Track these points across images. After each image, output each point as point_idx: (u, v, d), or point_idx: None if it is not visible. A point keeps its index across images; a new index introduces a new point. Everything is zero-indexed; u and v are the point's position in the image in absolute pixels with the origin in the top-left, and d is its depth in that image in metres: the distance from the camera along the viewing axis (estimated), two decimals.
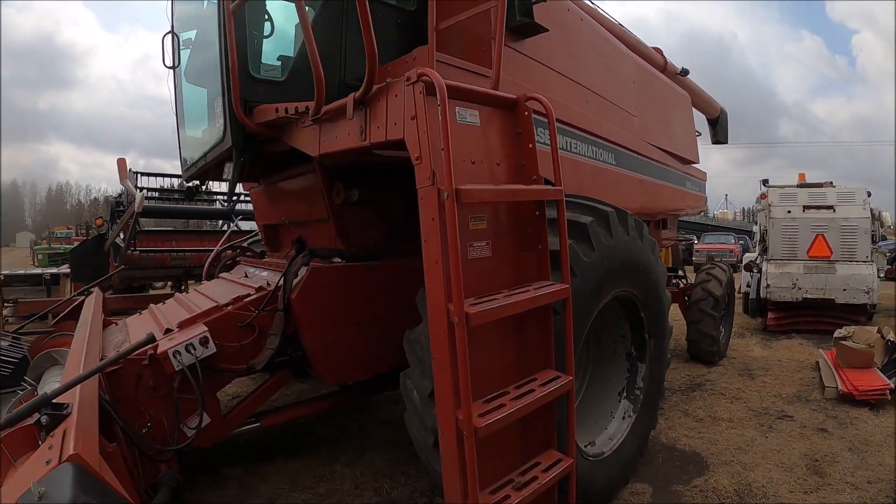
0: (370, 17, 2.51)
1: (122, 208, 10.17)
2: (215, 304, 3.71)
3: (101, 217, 12.20)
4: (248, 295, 3.80)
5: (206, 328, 3.30)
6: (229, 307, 3.67)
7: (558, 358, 2.60)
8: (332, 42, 3.78)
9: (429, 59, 2.97)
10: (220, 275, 5.45)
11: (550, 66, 4.30)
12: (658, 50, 7.45)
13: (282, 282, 3.76)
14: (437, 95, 2.16)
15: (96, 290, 6.27)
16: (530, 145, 2.59)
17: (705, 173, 9.03)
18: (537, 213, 2.58)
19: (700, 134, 8.85)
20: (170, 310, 4.28)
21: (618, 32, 5.99)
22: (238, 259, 5.81)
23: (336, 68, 3.74)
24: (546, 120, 3.93)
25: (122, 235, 9.48)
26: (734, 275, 8.93)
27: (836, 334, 6.89)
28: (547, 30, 3.81)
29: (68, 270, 11.46)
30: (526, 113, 2.61)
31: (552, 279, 2.62)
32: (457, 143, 2.30)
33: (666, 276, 4.12)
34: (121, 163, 9.53)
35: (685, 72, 7.81)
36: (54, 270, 12.47)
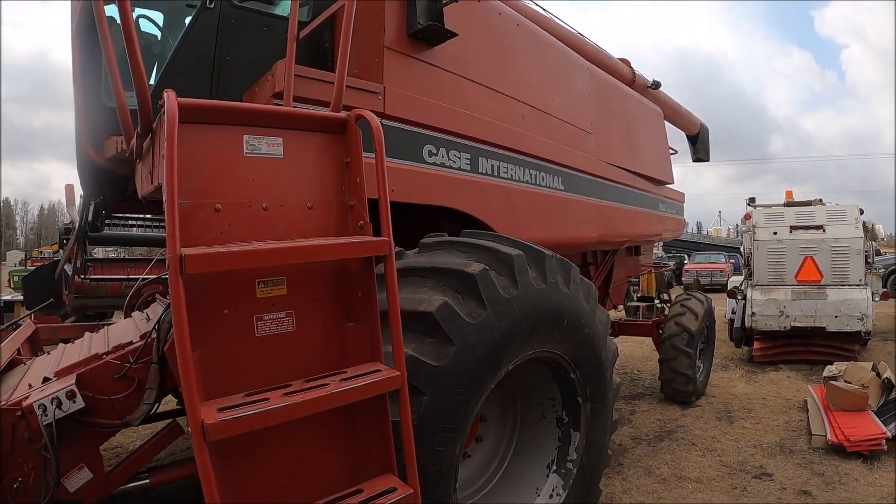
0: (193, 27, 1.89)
1: (69, 235, 9.66)
2: (97, 352, 3.21)
3: (55, 243, 11.67)
4: (131, 343, 3.27)
5: (73, 381, 2.84)
6: (108, 356, 3.15)
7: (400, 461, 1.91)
8: (204, 59, 3.16)
9: (286, 73, 2.31)
10: (133, 313, 4.85)
11: (472, 79, 3.65)
12: (625, 61, 6.83)
13: (154, 333, 3.20)
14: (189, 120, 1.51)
15: (28, 320, 5.71)
16: (358, 179, 1.92)
17: (683, 194, 8.38)
18: (366, 270, 1.91)
19: (676, 152, 8.23)
20: (71, 350, 3.78)
21: (571, 41, 5.36)
22: (156, 295, 5.17)
23: (205, 91, 3.12)
24: (454, 139, 3.36)
25: (70, 263, 8.96)
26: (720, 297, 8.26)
27: (825, 372, 6.18)
28: (455, 34, 3.16)
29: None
30: (355, 137, 1.94)
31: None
32: (237, 183, 1.66)
33: (608, 324, 3.42)
34: (68, 189, 8.96)
35: (657, 84, 7.18)
36: (8, 297, 11.88)
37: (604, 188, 5.35)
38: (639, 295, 11.53)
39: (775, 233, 8.76)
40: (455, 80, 3.53)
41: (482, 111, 3.70)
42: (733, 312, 9.35)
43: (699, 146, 9.11)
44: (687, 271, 23.95)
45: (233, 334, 1.71)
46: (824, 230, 8.71)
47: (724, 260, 25.18)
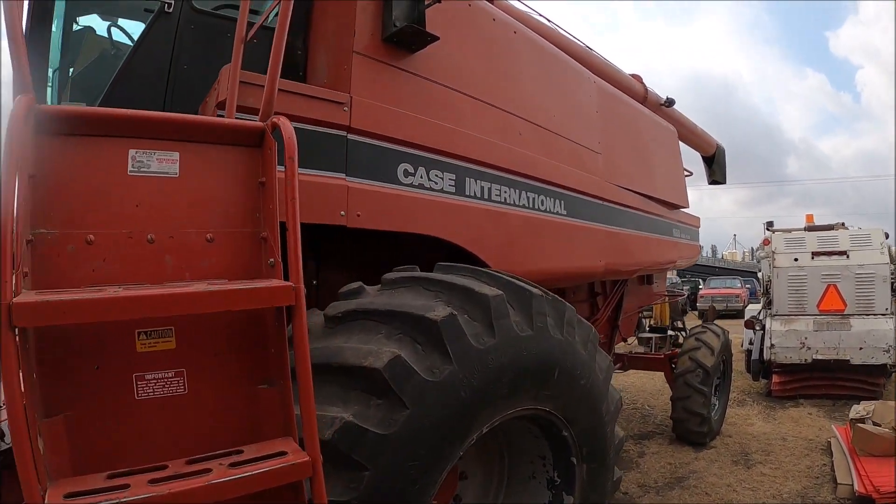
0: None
1: None
2: None
3: None
4: None
5: None
6: None
7: None
8: (159, 68, 2.81)
9: (230, 80, 1.94)
10: None
11: (460, 90, 3.26)
12: (637, 77, 6.43)
13: None
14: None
15: None
16: (271, 206, 1.52)
17: (698, 219, 7.90)
18: (277, 322, 1.50)
19: (691, 174, 7.79)
20: None
21: (577, 53, 4.97)
22: None
23: (158, 102, 2.76)
24: (437, 157, 2.92)
25: None
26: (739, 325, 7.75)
27: (852, 413, 5.65)
28: (436, 38, 2.78)
29: None
30: (270, 151, 1.54)
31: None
32: (117, 208, 1.29)
33: (611, 371, 2.98)
34: None
35: (671, 102, 6.77)
36: None
37: (613, 213, 4.91)
38: (651, 324, 11.00)
39: (796, 259, 8.24)
40: (441, 91, 3.13)
41: (471, 126, 3.28)
42: (751, 343, 8.82)
43: (715, 168, 8.65)
44: (702, 296, 23.32)
45: (106, 395, 1.33)
46: (848, 256, 8.18)
47: (739, 285, 24.51)
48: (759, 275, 9.69)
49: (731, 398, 8.02)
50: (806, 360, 7.76)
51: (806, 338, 7.78)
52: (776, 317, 8.17)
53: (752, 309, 9.49)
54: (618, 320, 6.43)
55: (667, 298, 8.50)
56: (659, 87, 7.73)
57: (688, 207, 6.91)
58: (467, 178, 3.14)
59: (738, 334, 10.31)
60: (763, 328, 8.26)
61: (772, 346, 7.91)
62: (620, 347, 7.11)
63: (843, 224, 8.79)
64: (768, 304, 8.51)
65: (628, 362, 7.14)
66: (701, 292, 24.43)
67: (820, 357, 7.68)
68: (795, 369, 7.96)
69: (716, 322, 13.31)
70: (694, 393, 5.90)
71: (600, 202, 4.70)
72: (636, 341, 8.01)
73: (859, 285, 8.02)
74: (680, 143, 7.84)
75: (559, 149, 4.20)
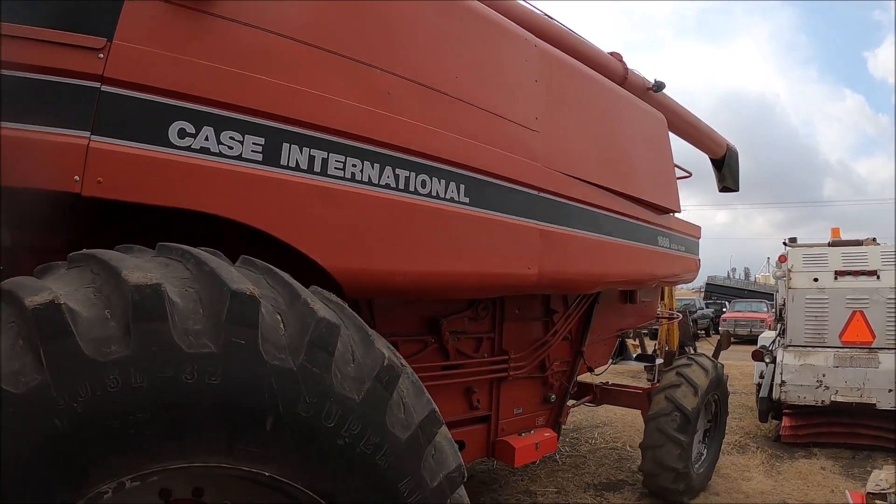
0: None
1: None
2: None
3: None
4: None
5: None
6: None
7: None
8: None
9: None
10: None
11: (291, 36, 2.40)
12: (616, 55, 5.35)
13: None
14: None
15: None
16: None
17: (698, 228, 6.74)
18: None
19: (690, 174, 6.63)
20: None
21: (515, 12, 3.94)
22: None
23: None
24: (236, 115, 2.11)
25: None
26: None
27: (870, 483, 4.41)
28: None
29: None
30: None
31: None
32: None
33: (432, 428, 1.90)
34: None
35: (659, 85, 5.65)
36: None
37: (554, 208, 3.84)
38: (641, 352, 9.74)
39: (816, 279, 6.98)
40: (261, 37, 2.30)
41: (305, 80, 2.39)
42: (761, 377, 7.53)
43: (726, 172, 7.46)
44: (724, 320, 22.19)
45: None
46: (878, 277, 6.89)
47: (766, 309, 23.10)
48: (775, 297, 8.39)
49: (732, 441, 6.82)
50: (822, 401, 6.48)
51: (824, 375, 6.51)
52: (790, 348, 6.91)
53: (766, 337, 8.17)
54: (582, 345, 5.32)
55: (661, 321, 7.30)
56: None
57: (679, 212, 5.76)
58: (284, 144, 2.31)
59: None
60: (774, 361, 6.99)
61: (782, 382, 6.66)
62: (593, 378, 5.96)
63: (873, 239, 7.46)
64: (782, 333, 7.23)
65: (600, 396, 5.98)
66: (724, 315, 23.33)
67: (839, 399, 6.39)
68: (809, 412, 6.70)
69: (733, 348, 11.96)
70: (668, 442, 4.73)
71: (532, 192, 3.64)
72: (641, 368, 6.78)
73: (891, 313, 6.70)
74: (683, 140, 6.77)
75: (463, 119, 3.21)
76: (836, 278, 6.90)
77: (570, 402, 5.72)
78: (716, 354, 12.37)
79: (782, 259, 7.36)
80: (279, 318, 1.58)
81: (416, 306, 4.04)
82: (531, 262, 3.62)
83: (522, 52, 3.74)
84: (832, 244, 7.26)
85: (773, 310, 8.03)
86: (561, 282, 4.01)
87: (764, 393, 7.00)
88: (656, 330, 13.31)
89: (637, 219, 4.94)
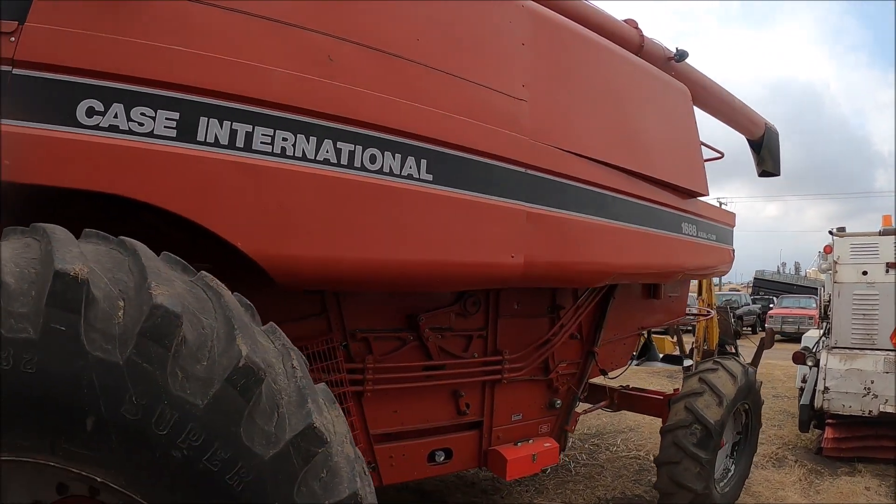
0: None
1: None
2: None
3: None
4: None
5: None
6: None
7: None
8: None
9: None
10: None
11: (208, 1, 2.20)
12: (631, 22, 4.82)
13: None
14: None
15: None
16: None
17: (732, 215, 6.14)
18: None
19: (722, 155, 6.02)
20: None
21: None
22: None
23: None
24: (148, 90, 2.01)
25: None
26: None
27: None
28: None
29: None
30: None
31: None
32: None
33: (328, 455, 1.54)
34: None
35: (682, 55, 5.09)
36: None
37: (548, 188, 3.39)
38: (678, 351, 9.08)
39: (865, 272, 6.29)
40: (177, 6, 2.14)
41: (222, 47, 2.19)
42: (804, 381, 6.86)
43: (765, 155, 6.81)
44: (770, 316, 21.38)
45: None
46: None
47: (815, 305, 22.00)
48: (820, 292, 7.67)
49: (768, 452, 6.22)
50: (870, 411, 5.81)
51: (872, 381, 5.84)
52: (834, 350, 6.24)
53: (811, 337, 7.46)
54: (594, 345, 4.81)
55: (688, 321, 6.70)
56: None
57: (707, 195, 5.16)
58: (202, 118, 2.12)
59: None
60: (817, 364, 6.32)
61: (825, 389, 6.00)
62: (610, 381, 5.45)
63: None
64: (827, 333, 6.55)
65: (618, 401, 5.46)
66: (770, 311, 22.52)
67: (890, 410, 5.71)
68: (855, 423, 6.02)
69: (779, 346, 11.18)
70: (685, 458, 4.20)
71: (517, 168, 3.18)
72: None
73: None
74: (714, 118, 6.16)
75: (426, 87, 2.84)
76: (888, 271, 6.19)
77: (583, 408, 5.23)
78: (758, 354, 11.68)
79: (827, 250, 6.67)
80: (121, 304, 1.39)
81: (392, 299, 3.67)
82: (516, 250, 3.17)
83: (505, 11, 3.30)
84: (883, 233, 6.51)
85: (818, 307, 7.30)
86: (556, 273, 3.55)
87: (805, 400, 6.35)
88: (691, 328, 12.64)
89: (656, 202, 4.42)
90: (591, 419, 7.74)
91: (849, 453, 6.06)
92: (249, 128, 2.17)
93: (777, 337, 18.29)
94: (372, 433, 3.56)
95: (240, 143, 2.15)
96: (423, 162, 2.71)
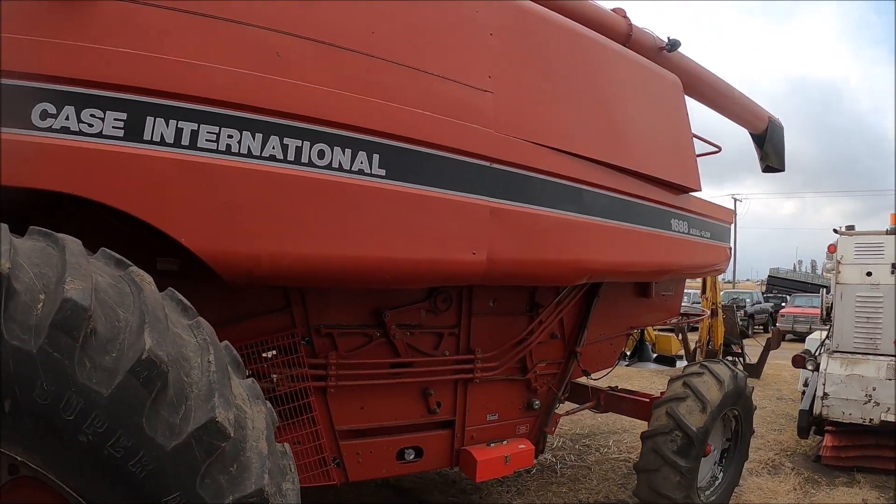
0: None
1: None
2: None
3: None
4: None
5: None
6: None
7: None
8: None
9: None
10: None
11: (154, 3, 2.26)
12: (619, 11, 4.67)
13: None
14: None
15: None
16: None
17: (729, 211, 5.98)
18: None
19: (719, 149, 5.84)
20: None
21: None
22: None
23: None
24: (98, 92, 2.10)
25: None
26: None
27: None
28: None
29: None
30: None
31: None
32: None
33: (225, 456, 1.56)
34: None
35: (674, 44, 4.92)
36: None
37: (514, 182, 3.30)
38: (678, 352, 8.89)
39: (869, 273, 6.06)
40: (125, 9, 2.18)
41: (175, 49, 2.24)
42: (805, 385, 6.67)
43: (769, 149, 6.62)
44: (783, 315, 21.02)
45: None
46: None
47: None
48: (822, 293, 7.44)
49: (765, 459, 6.06)
50: (871, 419, 5.62)
51: (874, 388, 5.64)
52: (835, 354, 6.04)
53: (815, 339, 7.23)
54: (577, 344, 4.69)
55: (680, 320, 6.53)
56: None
57: (699, 190, 5.00)
58: (148, 118, 2.18)
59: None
60: (817, 368, 6.13)
61: (825, 395, 5.81)
62: (597, 382, 5.32)
63: None
64: (829, 336, 6.35)
65: (604, 402, 5.32)
66: (782, 310, 22.10)
67: (891, 419, 5.51)
68: (856, 431, 5.82)
69: (788, 346, 10.95)
70: (665, 466, 4.06)
71: (480, 162, 3.08)
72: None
73: None
74: (713, 111, 5.97)
75: (382, 80, 2.81)
76: (893, 272, 5.95)
77: (566, 409, 5.10)
78: (764, 354, 11.48)
79: (831, 249, 6.44)
80: (42, 297, 1.47)
81: (359, 295, 3.62)
82: (477, 246, 3.08)
83: (471, 2, 3.19)
84: (890, 232, 6.26)
85: (821, 308, 7.08)
86: (524, 271, 3.45)
87: (805, 405, 6.17)
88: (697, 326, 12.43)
89: (640, 197, 4.29)
90: (585, 418, 7.61)
91: (848, 462, 5.87)
92: (195, 126, 2.21)
93: (789, 336, 18.05)
94: (338, 429, 3.52)
95: (185, 141, 2.20)
96: (376, 157, 2.68)
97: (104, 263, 1.77)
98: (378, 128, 2.68)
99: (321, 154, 2.51)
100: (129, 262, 1.82)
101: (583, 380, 5.24)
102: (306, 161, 2.47)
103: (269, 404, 2.07)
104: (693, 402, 4.26)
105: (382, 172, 2.70)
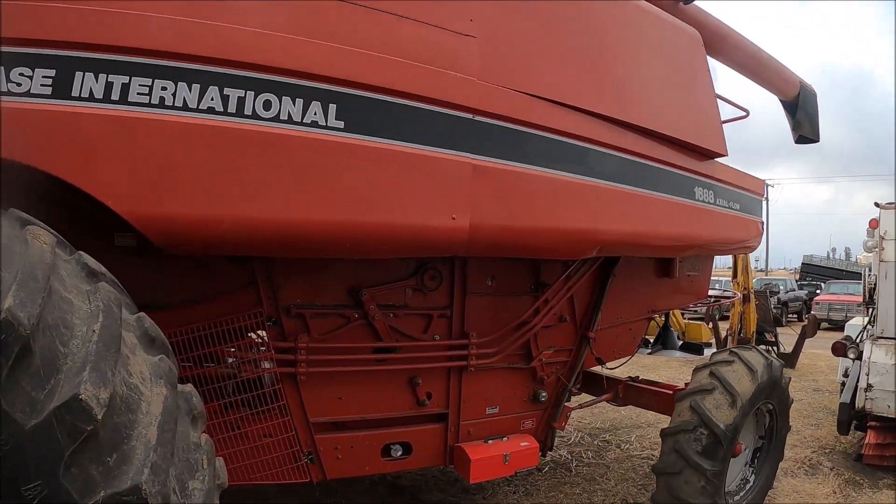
0: None
1: None
2: None
3: None
4: None
5: None
6: None
7: None
8: None
9: None
10: None
11: None
12: None
13: None
14: None
15: None
16: None
17: (761, 182, 5.43)
18: None
19: (747, 113, 5.32)
20: None
21: None
22: None
23: None
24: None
25: None
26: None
27: None
28: None
29: None
30: None
31: None
32: None
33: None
34: None
35: None
36: None
37: (503, 137, 2.87)
38: (708, 340, 8.28)
39: None
40: None
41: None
42: (845, 375, 6.10)
43: (801, 118, 6.06)
44: (817, 303, 20.34)
45: None
46: None
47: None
48: (864, 274, 6.83)
49: (801, 457, 5.54)
50: None
51: None
52: (880, 341, 5.47)
53: (856, 325, 6.65)
54: (590, 328, 4.24)
55: (710, 302, 6.01)
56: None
57: (725, 155, 4.48)
58: (77, 73, 2.01)
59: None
60: (860, 357, 5.57)
61: (868, 386, 5.26)
62: (616, 371, 4.86)
63: None
64: (872, 321, 5.78)
65: (623, 394, 4.86)
66: (817, 298, 21.47)
67: None
68: None
69: (824, 335, 10.33)
70: (687, 469, 3.61)
71: (459, 114, 2.70)
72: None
73: None
74: (738, 74, 5.44)
75: (342, 24, 2.48)
76: None
77: (578, 402, 4.66)
78: (799, 342, 10.84)
79: (873, 224, 5.85)
80: None
81: (334, 270, 3.30)
82: (458, 210, 2.68)
83: None
84: None
85: (863, 290, 6.49)
86: (515, 240, 3.02)
87: (845, 398, 5.62)
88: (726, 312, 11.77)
89: (659, 161, 3.85)
90: (607, 411, 7.14)
91: (893, 462, 5.30)
92: (126, 79, 2.03)
93: (823, 325, 17.32)
94: (312, 421, 3.25)
95: (115, 96, 2.02)
96: (332, 107, 2.37)
97: (7, 223, 1.59)
98: (333, 74, 2.36)
99: (267, 105, 2.24)
100: (36, 222, 1.67)
101: (598, 369, 4.80)
102: (249, 113, 2.21)
103: (188, 388, 1.82)
104: (721, 395, 3.77)
105: (340, 125, 2.38)
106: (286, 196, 2.28)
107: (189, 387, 1.82)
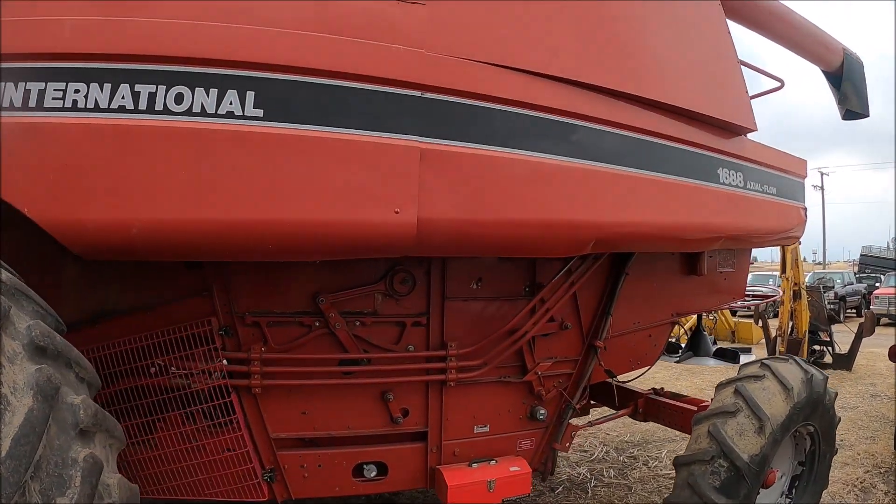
0: None
1: None
2: None
3: None
4: None
5: None
6: None
7: None
8: None
9: None
10: None
11: None
12: None
13: None
14: None
15: None
16: None
17: (803, 162, 4.82)
18: None
19: (782, 84, 4.79)
20: None
21: None
22: None
23: None
24: None
25: None
26: None
27: None
28: None
29: None
30: None
31: None
32: None
33: None
34: None
35: None
36: None
37: (458, 114, 2.45)
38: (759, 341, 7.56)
39: None
40: None
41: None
42: None
43: (847, 90, 5.46)
44: (876, 297, 19.21)
45: None
46: None
47: None
48: None
49: (851, 478, 4.93)
50: None
51: None
52: None
53: None
54: (598, 337, 3.77)
55: (748, 303, 5.40)
56: None
57: (755, 129, 3.92)
58: None
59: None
60: None
61: None
62: (633, 383, 4.38)
63: None
64: None
65: (643, 409, 4.37)
66: (876, 291, 20.19)
67: None
68: None
69: (884, 333, 9.53)
70: None
71: (404, 92, 2.33)
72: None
73: None
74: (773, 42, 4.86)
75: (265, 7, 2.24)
76: None
77: (588, 419, 4.20)
78: (856, 342, 9.96)
79: None
80: None
81: (295, 275, 3.01)
82: (401, 202, 2.29)
83: None
84: None
85: None
86: (480, 236, 2.58)
87: None
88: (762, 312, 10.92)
89: (671, 138, 3.32)
90: (638, 423, 6.59)
91: None
92: (42, 86, 2.02)
93: (884, 321, 16.15)
94: (273, 436, 3.03)
95: (32, 102, 2.01)
96: (250, 95, 2.14)
97: None
98: (249, 58, 2.13)
99: (179, 98, 2.09)
100: None
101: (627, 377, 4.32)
102: (160, 108, 2.08)
103: (78, 399, 1.69)
104: (746, 419, 3.21)
105: (259, 113, 2.14)
106: (196, 195, 2.08)
107: (81, 399, 1.68)
